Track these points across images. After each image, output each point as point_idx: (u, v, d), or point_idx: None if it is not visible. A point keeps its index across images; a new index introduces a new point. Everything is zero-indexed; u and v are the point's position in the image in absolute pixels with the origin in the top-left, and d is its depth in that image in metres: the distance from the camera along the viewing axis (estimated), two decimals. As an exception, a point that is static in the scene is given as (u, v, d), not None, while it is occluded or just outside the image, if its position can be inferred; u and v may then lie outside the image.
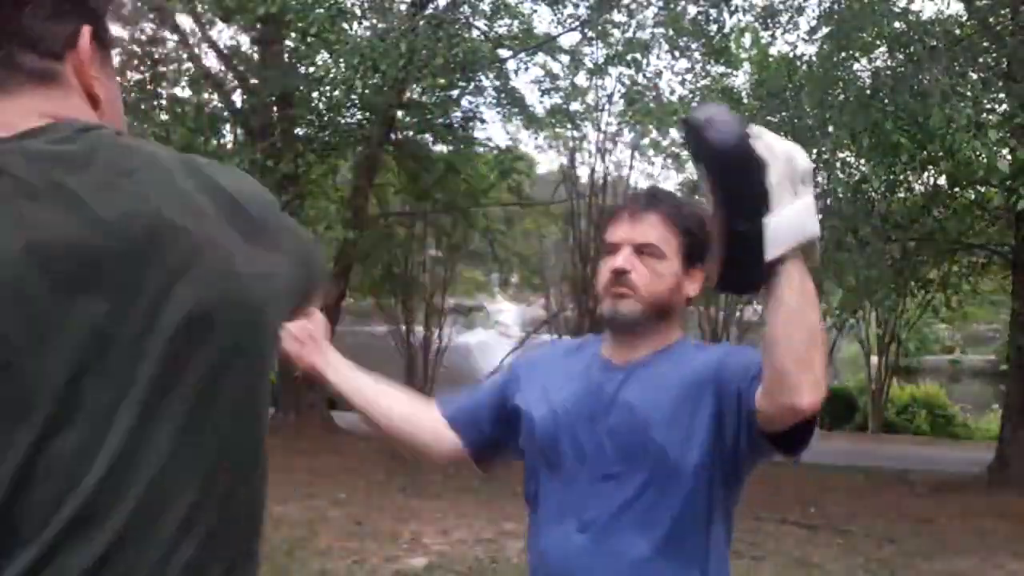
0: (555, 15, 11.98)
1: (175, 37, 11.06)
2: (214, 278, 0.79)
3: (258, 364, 0.84)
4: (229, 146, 11.58)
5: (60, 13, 0.86)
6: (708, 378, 1.53)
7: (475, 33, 10.85)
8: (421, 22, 9.17)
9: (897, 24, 9.04)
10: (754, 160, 1.18)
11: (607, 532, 1.54)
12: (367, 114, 11.34)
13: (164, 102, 10.96)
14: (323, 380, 1.67)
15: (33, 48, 0.85)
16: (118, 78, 1.00)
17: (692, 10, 10.56)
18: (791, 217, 1.18)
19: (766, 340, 1.29)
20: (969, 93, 8.05)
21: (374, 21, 9.89)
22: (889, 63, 9.81)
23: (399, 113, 11.53)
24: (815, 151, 10.12)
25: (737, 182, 1.19)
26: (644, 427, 1.54)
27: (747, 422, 1.44)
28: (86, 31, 0.88)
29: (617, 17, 11.17)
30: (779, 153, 1.18)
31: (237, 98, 11.52)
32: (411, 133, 12.31)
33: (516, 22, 12.29)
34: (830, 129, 9.09)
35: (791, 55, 10.53)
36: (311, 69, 10.71)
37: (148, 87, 10.58)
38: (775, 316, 1.25)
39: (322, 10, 9.22)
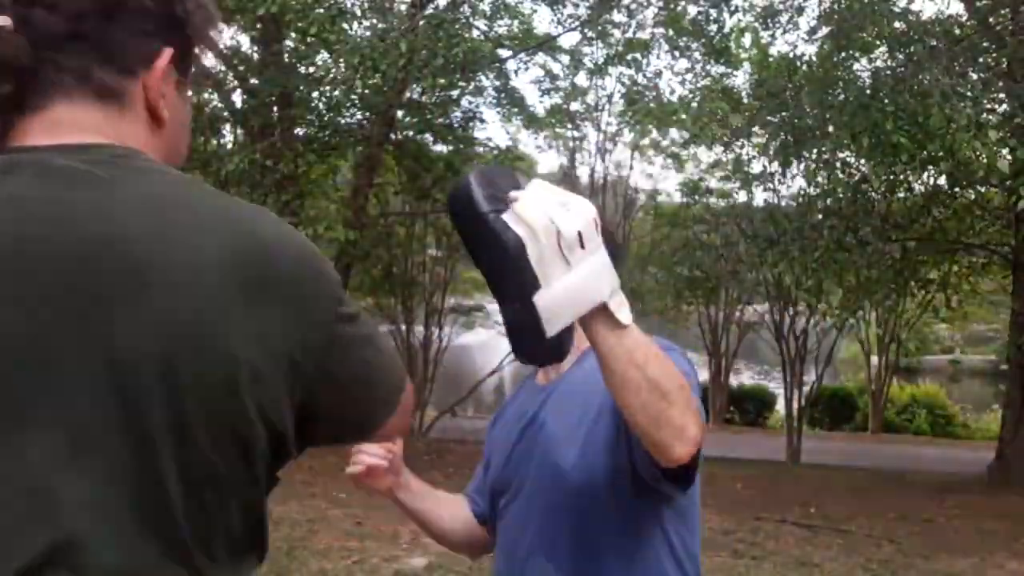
0: (555, 15, 12.00)
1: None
2: (175, 324, 0.77)
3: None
4: (229, 146, 11.58)
5: (145, 32, 0.87)
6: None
7: (475, 33, 10.84)
8: (421, 22, 9.16)
9: (897, 24, 9.04)
10: (500, 242, 1.03)
11: (525, 562, 1.52)
12: (367, 114, 11.33)
13: (164, 102, 10.94)
14: (393, 499, 1.79)
15: (111, 62, 0.85)
16: None
17: (692, 10, 10.58)
18: (566, 291, 1.04)
19: (617, 405, 1.17)
20: (969, 93, 8.04)
21: (374, 21, 9.88)
22: (889, 63, 9.80)
23: (399, 113, 11.52)
24: (815, 151, 10.14)
25: (489, 266, 1.07)
26: (547, 448, 1.50)
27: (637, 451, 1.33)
28: (167, 52, 0.88)
29: (617, 17, 11.18)
30: (536, 224, 1.02)
31: (237, 98, 11.51)
32: (411, 133, 12.29)
33: (516, 22, 12.31)
34: (830, 129, 9.09)
35: (791, 55, 10.54)
36: (311, 69, 10.69)
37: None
38: (609, 385, 1.13)
39: (322, 10, 9.21)
